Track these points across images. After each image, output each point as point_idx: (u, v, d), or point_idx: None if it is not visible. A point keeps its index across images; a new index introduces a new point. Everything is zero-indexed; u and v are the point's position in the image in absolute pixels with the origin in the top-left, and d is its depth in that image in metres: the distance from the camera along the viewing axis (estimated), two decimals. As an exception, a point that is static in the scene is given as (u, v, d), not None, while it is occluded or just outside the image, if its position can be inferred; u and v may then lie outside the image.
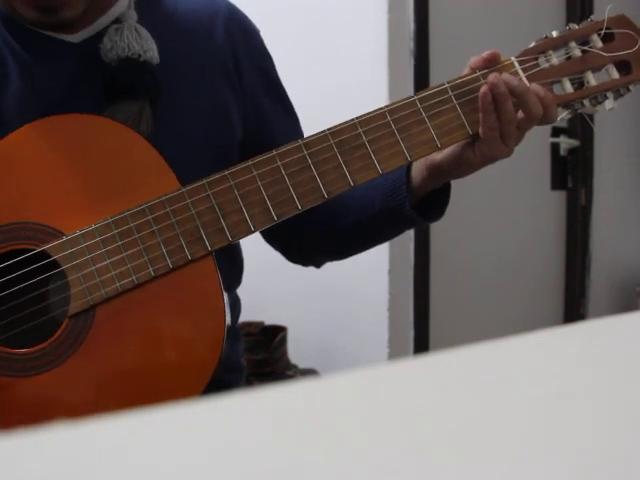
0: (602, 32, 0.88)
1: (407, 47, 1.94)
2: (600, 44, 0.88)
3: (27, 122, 0.83)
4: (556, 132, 2.35)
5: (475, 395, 0.29)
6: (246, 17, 1.01)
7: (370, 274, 1.92)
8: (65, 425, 0.24)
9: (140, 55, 0.88)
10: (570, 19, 2.35)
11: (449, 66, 2.02)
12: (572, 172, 2.39)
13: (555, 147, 2.37)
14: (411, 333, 1.97)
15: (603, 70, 0.88)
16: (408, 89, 1.94)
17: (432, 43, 1.99)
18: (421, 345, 1.98)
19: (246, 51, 0.98)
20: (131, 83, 0.86)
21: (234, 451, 0.23)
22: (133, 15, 0.90)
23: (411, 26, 1.95)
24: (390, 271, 1.90)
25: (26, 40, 0.88)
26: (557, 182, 2.39)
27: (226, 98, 0.95)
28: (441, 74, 1.99)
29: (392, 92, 1.89)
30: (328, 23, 1.99)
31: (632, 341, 0.38)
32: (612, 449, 0.23)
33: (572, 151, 2.38)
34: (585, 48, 0.88)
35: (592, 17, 0.89)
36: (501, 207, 2.23)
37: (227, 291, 0.85)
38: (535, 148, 2.30)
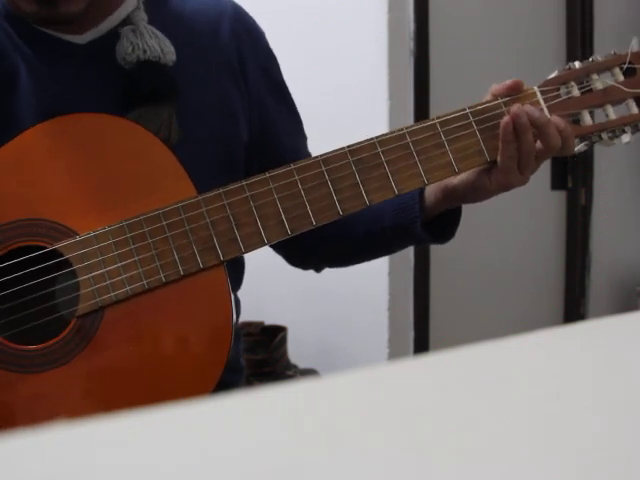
0: (624, 66, 0.88)
1: (407, 47, 1.94)
2: (621, 78, 0.88)
3: (35, 123, 0.83)
4: (556, 132, 2.35)
5: (475, 395, 0.29)
6: (252, 18, 1.01)
7: (370, 275, 1.92)
8: (65, 425, 0.24)
9: (160, 58, 0.87)
10: (570, 19, 2.34)
11: (449, 66, 2.02)
12: (572, 172, 2.39)
13: (555, 147, 2.37)
14: (411, 334, 1.97)
15: (622, 104, 0.88)
16: (408, 89, 1.94)
17: (432, 43, 1.99)
18: (421, 345, 1.98)
19: (251, 52, 0.98)
20: (154, 87, 0.86)
21: (234, 451, 0.23)
22: (144, 17, 0.90)
23: (411, 26, 1.94)
24: (390, 272, 1.90)
25: (32, 40, 0.88)
26: (557, 182, 2.39)
27: (233, 99, 0.95)
28: (441, 74, 1.99)
29: (392, 92, 1.89)
30: (328, 23, 1.99)
31: (632, 341, 0.38)
32: (612, 449, 0.23)
33: (572, 151, 2.37)
34: (607, 81, 0.88)
35: (614, 50, 0.90)
36: (501, 207, 2.23)
37: None
38: (535, 148, 2.29)
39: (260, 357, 1.80)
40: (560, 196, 2.40)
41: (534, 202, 2.35)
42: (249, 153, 0.97)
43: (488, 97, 0.88)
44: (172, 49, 0.89)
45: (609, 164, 2.48)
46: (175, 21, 0.94)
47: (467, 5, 2.15)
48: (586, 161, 2.38)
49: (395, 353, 1.91)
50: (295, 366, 1.89)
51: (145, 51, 0.86)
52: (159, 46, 0.87)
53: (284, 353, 1.87)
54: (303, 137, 1.04)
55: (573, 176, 2.39)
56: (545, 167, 2.37)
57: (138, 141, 0.81)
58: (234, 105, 0.95)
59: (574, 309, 2.38)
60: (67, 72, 0.88)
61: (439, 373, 0.32)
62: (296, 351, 1.93)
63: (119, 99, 0.86)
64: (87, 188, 0.80)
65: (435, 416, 0.26)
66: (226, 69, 0.95)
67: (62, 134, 0.81)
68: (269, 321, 1.94)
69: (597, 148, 2.60)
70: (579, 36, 2.25)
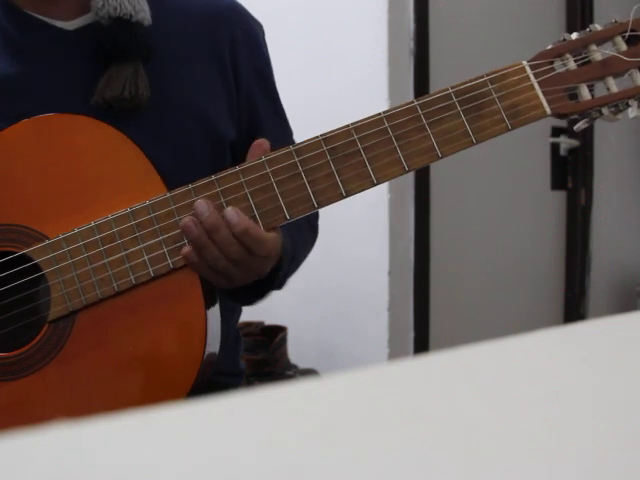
0: (627, 34, 0.80)
1: (407, 47, 1.94)
2: (624, 47, 0.80)
3: (23, 106, 0.82)
4: (556, 132, 2.35)
5: (475, 395, 0.29)
6: (248, 13, 1.00)
7: (370, 275, 1.92)
8: (64, 425, 0.24)
9: (132, 15, 0.86)
10: (570, 19, 2.34)
11: (449, 66, 2.02)
12: (572, 172, 2.39)
13: (555, 147, 2.37)
14: (411, 333, 1.97)
15: (626, 75, 0.80)
16: (408, 89, 1.94)
17: (432, 43, 1.99)
18: (421, 345, 1.99)
19: (246, 51, 0.97)
20: (123, 44, 0.85)
21: (234, 451, 0.23)
22: None
23: (411, 26, 1.95)
24: (390, 272, 1.90)
25: (25, 27, 0.88)
26: (557, 182, 2.39)
27: (219, 96, 0.94)
28: (441, 74, 1.99)
29: (392, 92, 1.89)
30: (328, 23, 1.99)
31: (632, 341, 0.38)
32: (612, 449, 0.23)
33: (572, 151, 2.38)
34: (607, 51, 0.81)
35: (616, 18, 0.82)
36: (501, 207, 2.23)
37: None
38: (535, 148, 2.30)
39: (260, 357, 1.80)
40: (560, 196, 2.41)
41: (534, 202, 2.35)
42: (236, 153, 0.95)
43: None
44: (146, 8, 0.88)
45: (609, 164, 2.48)
46: (171, 13, 0.93)
47: (467, 5, 2.15)
48: (586, 161, 2.38)
49: (395, 353, 1.92)
50: (295, 366, 1.89)
51: (116, 8, 0.85)
52: (131, 4, 0.86)
53: (284, 353, 1.87)
54: (290, 140, 1.02)
55: (573, 176, 2.39)
56: (545, 167, 2.37)
57: (107, 141, 0.79)
58: (220, 103, 0.94)
59: (574, 309, 2.38)
60: (56, 56, 0.87)
61: (439, 373, 0.32)
62: (296, 351, 1.93)
63: (98, 76, 0.85)
64: (57, 190, 0.79)
65: (435, 416, 0.26)
66: (217, 66, 0.94)
67: (31, 137, 0.80)
68: (269, 321, 1.94)
69: (597, 148, 2.60)
70: (579, 36, 2.25)
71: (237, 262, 0.77)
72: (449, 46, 2.05)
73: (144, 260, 0.77)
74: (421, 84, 1.95)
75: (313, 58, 2.00)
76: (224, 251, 0.76)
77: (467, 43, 2.10)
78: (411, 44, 1.95)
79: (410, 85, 1.94)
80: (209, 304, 0.79)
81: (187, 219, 0.76)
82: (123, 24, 0.85)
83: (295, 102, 1.06)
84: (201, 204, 0.76)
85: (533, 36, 2.22)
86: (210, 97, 0.93)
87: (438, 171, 1.99)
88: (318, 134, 0.79)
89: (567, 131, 2.36)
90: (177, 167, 0.84)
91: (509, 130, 0.80)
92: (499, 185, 2.19)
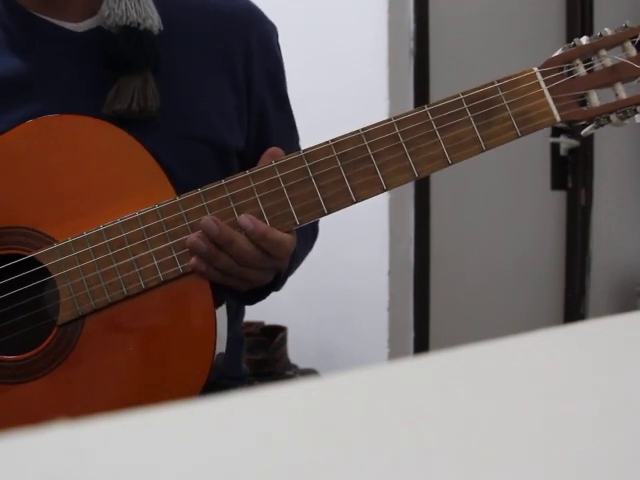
0: (637, 40, 0.80)
1: (407, 47, 1.94)
2: (634, 53, 0.80)
3: (30, 107, 0.81)
4: (556, 132, 2.35)
5: (475, 395, 0.29)
6: (263, 15, 0.98)
7: (370, 275, 1.92)
8: (64, 425, 0.24)
9: (139, 23, 0.84)
10: (570, 19, 2.34)
11: (449, 66, 2.02)
12: (572, 172, 2.39)
13: (555, 147, 2.37)
14: (411, 333, 1.97)
15: (635, 82, 0.80)
16: (408, 89, 1.94)
17: (432, 43, 1.99)
18: (421, 345, 1.98)
19: (259, 56, 0.95)
20: (129, 54, 0.83)
21: (234, 451, 0.23)
22: None
23: (411, 26, 1.95)
24: (390, 272, 1.90)
25: (30, 27, 0.87)
26: (557, 182, 2.39)
27: (228, 102, 0.92)
28: (441, 74, 1.99)
29: (392, 92, 1.89)
30: (328, 23, 1.99)
31: (632, 341, 0.38)
32: (612, 449, 0.23)
33: (572, 151, 2.38)
34: (617, 57, 0.80)
35: (627, 22, 0.81)
36: (501, 207, 2.23)
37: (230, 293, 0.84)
38: (535, 148, 2.30)
39: (260, 357, 1.80)
40: (560, 196, 2.40)
41: (534, 202, 2.35)
42: (245, 160, 0.94)
43: None
44: (154, 15, 0.86)
45: (609, 164, 2.48)
46: (185, 12, 0.91)
47: (467, 5, 2.15)
48: (586, 161, 2.38)
49: (395, 353, 1.92)
50: (295, 366, 1.89)
51: (122, 17, 0.84)
52: (137, 12, 0.84)
53: (284, 353, 1.87)
54: (297, 149, 1.01)
55: (573, 176, 2.39)
56: (545, 167, 2.37)
57: (115, 143, 0.79)
58: (227, 109, 0.92)
59: (574, 309, 2.38)
60: (64, 58, 0.86)
61: (439, 373, 0.32)
62: (296, 351, 1.93)
63: (108, 80, 0.84)
64: (65, 193, 0.78)
65: (435, 416, 0.26)
66: (229, 73, 0.92)
67: (39, 137, 0.79)
68: (269, 321, 1.94)
69: (597, 148, 2.60)
70: (579, 36, 2.25)
71: (254, 266, 0.77)
72: (449, 46, 2.05)
73: (154, 265, 0.77)
74: (421, 84, 1.95)
75: (313, 58, 2.00)
76: (240, 260, 0.76)
77: (467, 43, 2.10)
78: (411, 44, 1.95)
79: (410, 85, 1.94)
80: (216, 305, 0.79)
81: (192, 237, 0.76)
82: (130, 33, 0.84)
83: (295, 102, 1.05)
84: (208, 221, 0.75)
85: (533, 36, 2.22)
86: (218, 105, 0.91)
87: (438, 171, 1.99)
88: (326, 138, 0.78)
89: (567, 131, 2.36)
90: (186, 172, 0.83)
91: (518, 137, 0.79)
92: (499, 185, 2.19)
